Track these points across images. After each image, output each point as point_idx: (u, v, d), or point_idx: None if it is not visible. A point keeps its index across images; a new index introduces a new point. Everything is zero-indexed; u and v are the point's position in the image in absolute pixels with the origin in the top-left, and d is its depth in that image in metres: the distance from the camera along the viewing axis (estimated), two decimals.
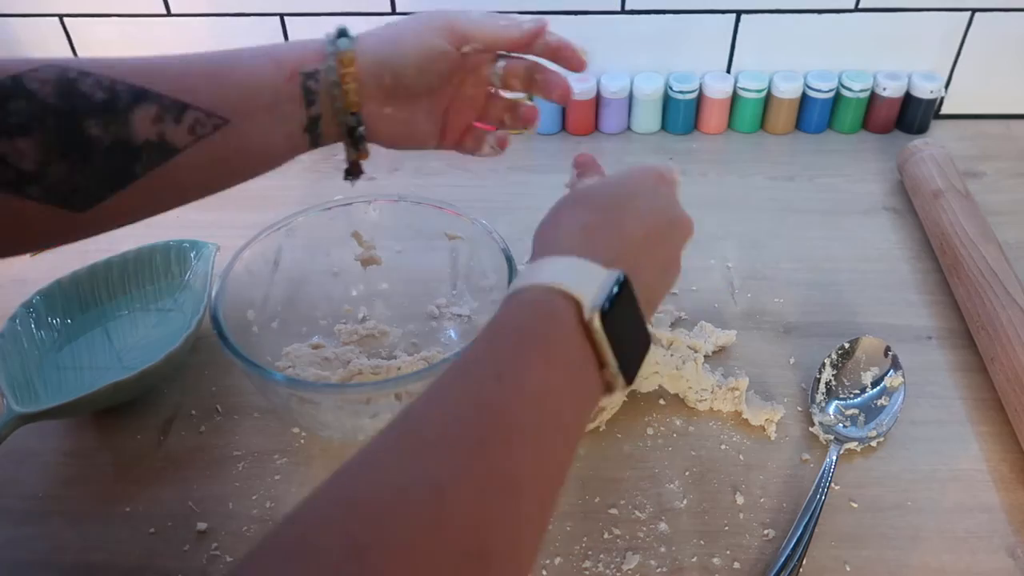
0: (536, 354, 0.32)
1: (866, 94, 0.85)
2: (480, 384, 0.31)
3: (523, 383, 0.31)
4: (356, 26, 0.86)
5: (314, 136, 0.47)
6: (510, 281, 0.49)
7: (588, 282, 0.34)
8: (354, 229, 0.60)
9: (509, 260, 0.52)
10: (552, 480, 0.31)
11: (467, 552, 0.25)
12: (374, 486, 0.26)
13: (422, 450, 0.28)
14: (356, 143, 0.48)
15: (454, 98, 0.50)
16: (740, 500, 0.49)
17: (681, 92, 0.85)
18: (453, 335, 0.61)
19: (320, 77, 0.45)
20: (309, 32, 0.86)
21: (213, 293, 0.51)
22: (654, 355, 0.55)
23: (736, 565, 0.46)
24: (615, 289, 0.34)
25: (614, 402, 0.53)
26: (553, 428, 0.31)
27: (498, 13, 0.48)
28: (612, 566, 0.46)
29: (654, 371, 0.55)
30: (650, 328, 0.37)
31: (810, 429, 0.54)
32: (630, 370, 0.35)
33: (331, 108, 0.46)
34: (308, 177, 0.82)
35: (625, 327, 0.35)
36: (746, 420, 0.54)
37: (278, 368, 0.55)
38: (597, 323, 0.33)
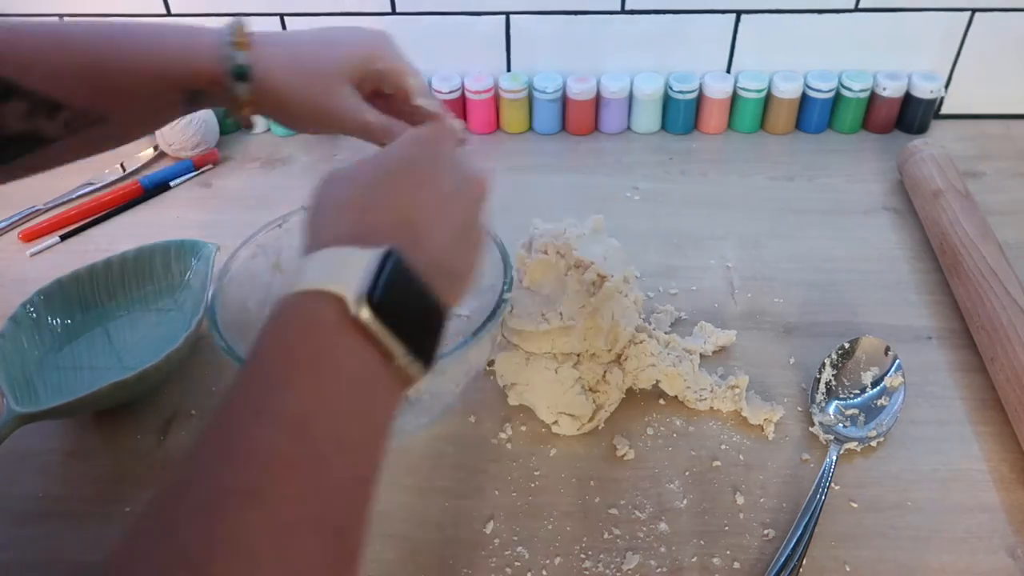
0: (300, 377, 0.29)
1: (866, 94, 0.85)
2: (241, 427, 0.28)
3: (284, 415, 0.28)
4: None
5: (188, 112, 0.47)
6: (506, 280, 0.49)
7: (350, 272, 0.30)
8: None
9: (504, 258, 0.52)
10: (352, 505, 0.29)
11: None
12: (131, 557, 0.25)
13: (180, 517, 0.25)
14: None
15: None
16: (740, 500, 0.49)
17: (681, 92, 0.85)
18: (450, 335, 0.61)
19: (207, 96, 0.44)
20: None
21: (209, 295, 0.50)
22: (648, 347, 0.55)
23: (736, 565, 0.46)
24: (383, 270, 0.30)
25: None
26: (335, 451, 0.28)
27: (414, 69, 0.49)
28: (612, 566, 0.46)
29: (650, 363, 0.55)
30: (442, 297, 0.33)
31: (810, 429, 0.54)
32: (425, 352, 0.32)
33: (213, 105, 0.46)
34: (308, 177, 0.82)
35: (406, 307, 0.31)
36: (746, 420, 0.54)
37: None
38: (366, 314, 0.30)
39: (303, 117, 0.47)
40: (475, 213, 0.38)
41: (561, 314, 0.53)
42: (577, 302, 0.53)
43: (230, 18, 0.44)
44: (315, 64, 0.46)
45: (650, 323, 0.61)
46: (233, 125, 0.47)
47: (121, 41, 0.42)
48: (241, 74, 0.43)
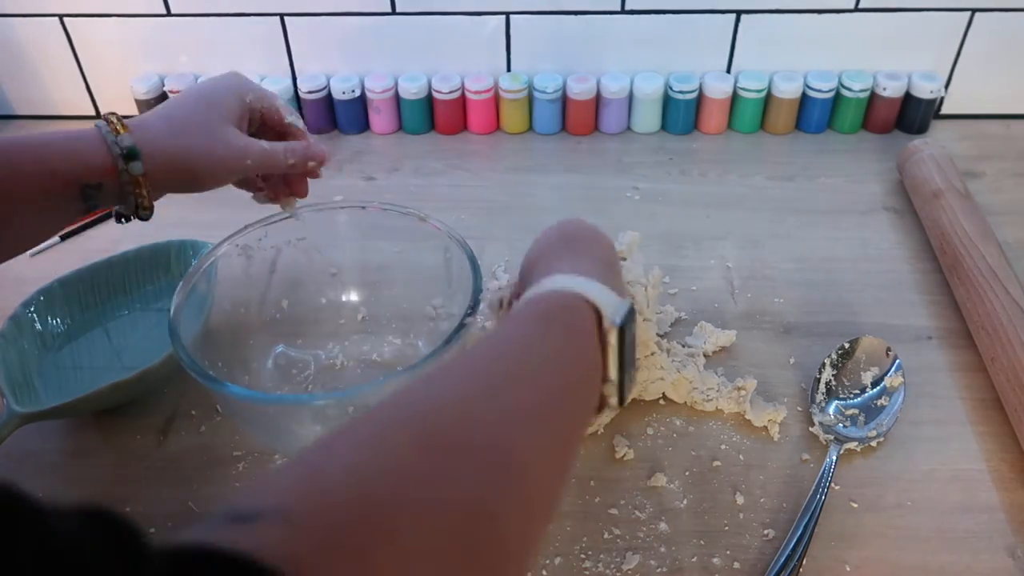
0: (558, 327, 0.35)
1: (866, 94, 0.85)
2: (501, 378, 0.32)
3: (543, 348, 0.34)
4: (357, 30, 0.86)
5: (89, 210, 0.47)
6: (471, 303, 0.48)
7: (605, 297, 0.37)
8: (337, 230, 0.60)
9: (476, 279, 0.51)
10: (560, 454, 0.32)
11: (475, 511, 0.25)
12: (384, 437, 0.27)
13: (429, 412, 0.28)
14: (140, 216, 0.48)
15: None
16: (740, 500, 0.49)
17: (681, 92, 0.85)
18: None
19: (105, 188, 0.45)
20: (309, 32, 0.86)
21: (172, 309, 0.48)
22: (658, 360, 0.55)
23: (736, 565, 0.46)
24: (627, 312, 0.37)
25: (600, 421, 0.54)
26: (562, 392, 0.33)
27: (273, 93, 0.53)
28: (612, 566, 0.46)
29: (659, 376, 0.54)
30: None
31: (810, 429, 0.54)
32: (623, 391, 0.38)
33: (112, 203, 0.47)
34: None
35: (628, 351, 0.38)
36: (747, 421, 0.54)
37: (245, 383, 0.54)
38: (614, 335, 0.36)
39: (203, 172, 0.48)
40: None
41: None
42: None
43: (102, 115, 0.46)
44: (194, 118, 0.48)
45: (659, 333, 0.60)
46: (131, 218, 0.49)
47: (8, 150, 0.43)
48: (131, 154, 0.44)
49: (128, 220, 0.49)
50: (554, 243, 0.44)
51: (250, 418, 0.49)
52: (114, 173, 0.45)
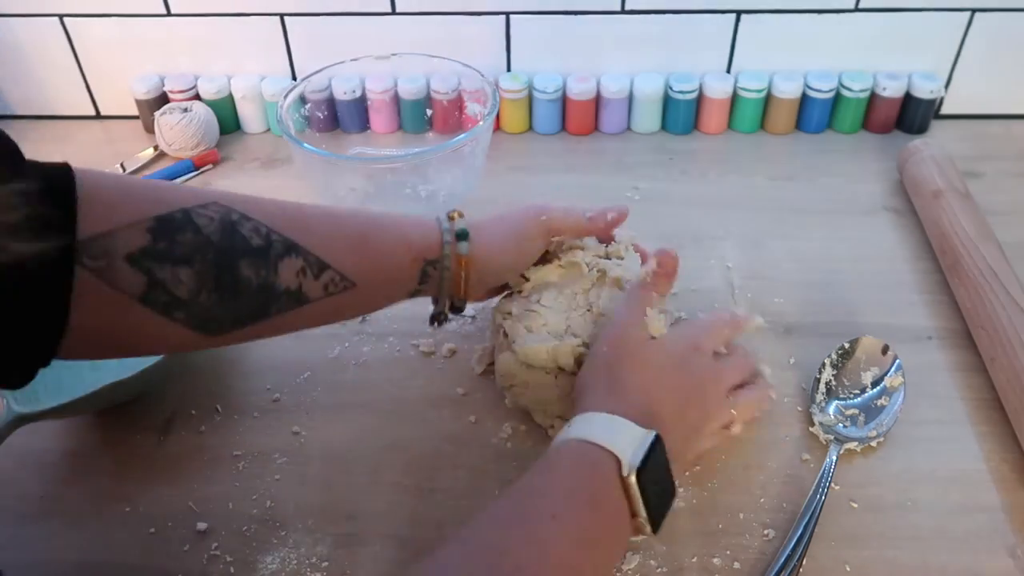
0: (584, 500, 0.39)
1: (866, 94, 0.85)
2: (537, 523, 0.37)
3: (573, 524, 0.38)
4: (357, 30, 0.86)
5: (415, 295, 0.51)
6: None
7: (627, 441, 0.41)
8: None
9: None
10: None
11: None
12: None
13: None
14: (455, 311, 0.53)
15: None
16: (740, 500, 0.49)
17: (681, 92, 0.85)
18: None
19: (439, 266, 0.50)
20: (309, 32, 0.86)
21: None
22: None
23: (736, 565, 0.46)
24: (649, 448, 0.40)
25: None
26: (593, 566, 0.38)
27: (581, 208, 0.55)
28: None
29: None
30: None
31: (810, 429, 0.54)
32: (657, 519, 0.41)
33: (438, 286, 0.51)
34: (307, 177, 0.82)
35: (655, 482, 0.41)
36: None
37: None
38: (633, 480, 0.39)
39: (505, 267, 0.53)
40: (709, 411, 0.48)
41: (573, 333, 0.52)
42: (589, 322, 0.53)
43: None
44: (513, 228, 0.53)
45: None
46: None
47: (379, 219, 0.49)
48: (463, 235, 0.50)
49: (443, 322, 0.54)
50: (600, 371, 0.47)
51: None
52: (442, 247, 0.49)
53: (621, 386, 0.45)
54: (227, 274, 0.41)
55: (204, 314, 0.41)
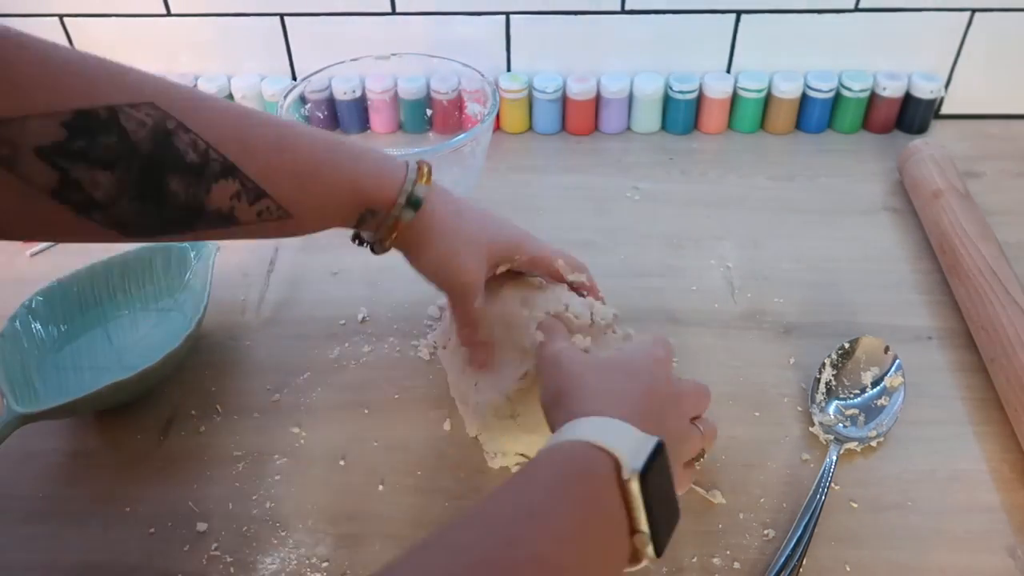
0: (570, 497, 0.33)
1: (866, 94, 0.85)
2: (511, 520, 0.32)
3: (554, 522, 0.32)
4: (357, 30, 0.86)
5: (356, 231, 0.49)
6: None
7: (627, 442, 0.35)
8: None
9: None
10: None
11: None
12: None
13: None
14: (374, 250, 0.50)
15: None
16: (740, 500, 0.49)
17: (681, 92, 0.85)
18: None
19: (377, 218, 0.47)
20: (309, 32, 0.86)
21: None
22: None
23: (736, 565, 0.46)
24: (653, 453, 0.35)
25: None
26: (580, 566, 0.31)
27: (555, 251, 0.54)
28: None
29: None
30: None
31: (810, 429, 0.54)
32: (660, 541, 0.35)
33: (372, 232, 0.48)
34: None
35: (659, 494, 0.35)
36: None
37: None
38: (635, 484, 0.33)
39: (431, 261, 0.49)
40: (687, 421, 0.43)
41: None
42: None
43: (415, 157, 0.49)
44: (470, 228, 0.50)
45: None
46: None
47: (335, 151, 0.45)
48: (415, 203, 0.47)
49: (362, 245, 0.51)
50: (576, 378, 0.42)
51: None
52: (387, 211, 0.46)
53: (606, 392, 0.41)
54: (152, 187, 0.38)
55: (124, 218, 0.38)
